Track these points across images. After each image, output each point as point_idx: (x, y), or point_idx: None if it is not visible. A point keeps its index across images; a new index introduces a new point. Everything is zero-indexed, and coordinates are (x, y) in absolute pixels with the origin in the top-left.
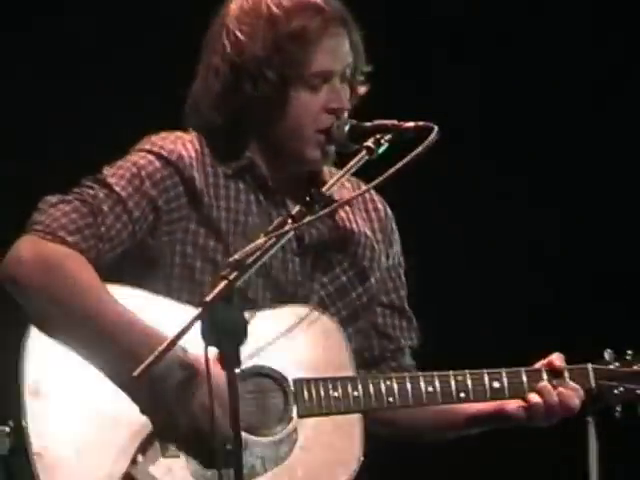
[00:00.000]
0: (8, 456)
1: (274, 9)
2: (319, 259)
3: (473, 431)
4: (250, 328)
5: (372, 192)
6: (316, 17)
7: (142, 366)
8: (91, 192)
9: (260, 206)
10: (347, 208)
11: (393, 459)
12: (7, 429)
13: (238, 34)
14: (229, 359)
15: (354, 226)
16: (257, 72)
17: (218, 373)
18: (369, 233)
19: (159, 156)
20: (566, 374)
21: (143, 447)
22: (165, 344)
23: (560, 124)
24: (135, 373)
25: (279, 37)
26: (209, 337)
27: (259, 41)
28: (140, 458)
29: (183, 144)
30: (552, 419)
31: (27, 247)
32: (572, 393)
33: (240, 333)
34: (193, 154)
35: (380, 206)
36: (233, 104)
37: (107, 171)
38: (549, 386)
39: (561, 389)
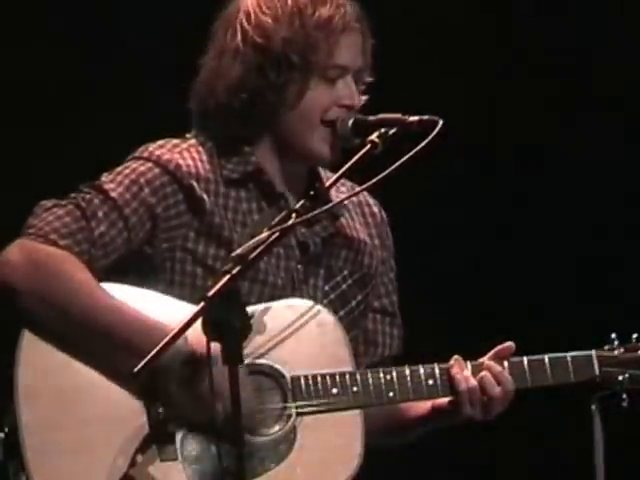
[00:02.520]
0: (4, 462)
1: None
2: (321, 267)
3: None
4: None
5: (367, 195)
6: (340, 10)
7: (142, 363)
8: (87, 197)
9: (261, 214)
10: (347, 214)
11: (393, 456)
12: (2, 435)
13: (262, 17)
14: (231, 355)
15: (354, 233)
16: (282, 55)
17: (220, 370)
18: (368, 240)
19: (157, 164)
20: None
21: (142, 448)
22: (165, 340)
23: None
24: (134, 370)
25: (305, 23)
26: (211, 332)
27: (285, 25)
28: (139, 459)
29: (180, 152)
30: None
31: (17, 250)
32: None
33: (242, 328)
34: (190, 162)
35: (376, 210)
36: (252, 87)
37: (105, 177)
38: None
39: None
